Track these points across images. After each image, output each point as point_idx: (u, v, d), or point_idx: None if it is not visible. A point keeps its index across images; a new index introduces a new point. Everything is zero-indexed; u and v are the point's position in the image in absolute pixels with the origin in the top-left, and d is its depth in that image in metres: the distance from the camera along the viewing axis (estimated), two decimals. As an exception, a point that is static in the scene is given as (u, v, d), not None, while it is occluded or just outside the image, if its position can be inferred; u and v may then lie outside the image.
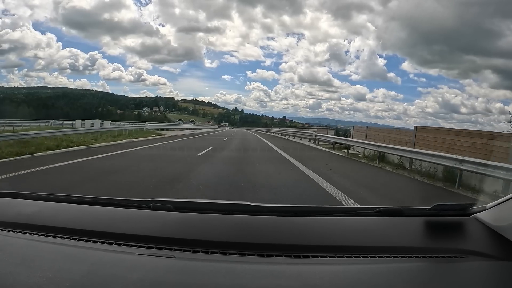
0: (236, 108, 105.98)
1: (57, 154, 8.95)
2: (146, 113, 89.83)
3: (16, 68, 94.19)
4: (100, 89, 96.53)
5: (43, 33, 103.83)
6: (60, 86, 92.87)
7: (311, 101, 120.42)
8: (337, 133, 19.54)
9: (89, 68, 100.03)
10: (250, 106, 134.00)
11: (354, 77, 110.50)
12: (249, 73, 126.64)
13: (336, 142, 13.56)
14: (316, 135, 16.96)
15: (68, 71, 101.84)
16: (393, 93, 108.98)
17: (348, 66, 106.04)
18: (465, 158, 6.09)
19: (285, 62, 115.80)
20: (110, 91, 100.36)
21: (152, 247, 0.96)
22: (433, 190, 6.13)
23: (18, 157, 7.79)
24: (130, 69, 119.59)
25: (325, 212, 1.26)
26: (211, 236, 1.01)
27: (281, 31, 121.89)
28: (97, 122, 25.81)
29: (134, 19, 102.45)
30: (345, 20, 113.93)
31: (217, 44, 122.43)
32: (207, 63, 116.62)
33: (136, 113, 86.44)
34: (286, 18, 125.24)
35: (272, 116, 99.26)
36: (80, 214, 1.19)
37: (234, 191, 5.07)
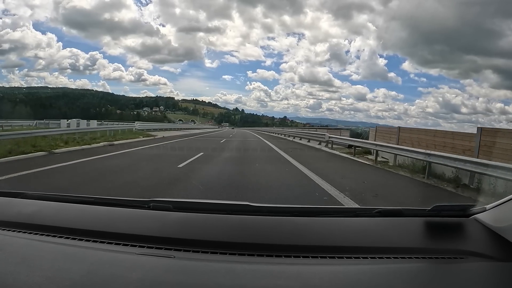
0: (236, 108, 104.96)
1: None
2: (146, 113, 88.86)
3: (16, 68, 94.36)
4: (100, 89, 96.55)
5: (43, 33, 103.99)
6: (60, 86, 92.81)
7: (311, 101, 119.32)
8: (354, 135, 16.91)
9: (89, 68, 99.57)
10: (250, 106, 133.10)
11: (355, 77, 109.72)
12: (249, 73, 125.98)
13: (358, 147, 11.11)
14: (329, 137, 14.40)
15: (69, 71, 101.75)
16: (393, 93, 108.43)
17: (349, 66, 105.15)
18: None
19: (286, 62, 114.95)
20: (110, 91, 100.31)
21: (152, 247, 0.96)
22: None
23: None
24: (130, 69, 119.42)
25: (325, 212, 1.26)
26: (211, 236, 1.01)
27: (281, 31, 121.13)
28: (82, 122, 24.00)
29: (135, 19, 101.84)
30: (346, 20, 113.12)
31: (217, 44, 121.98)
32: (208, 63, 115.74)
33: (135, 113, 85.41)
34: (286, 18, 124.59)
35: (273, 116, 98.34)
36: (80, 214, 1.19)
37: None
